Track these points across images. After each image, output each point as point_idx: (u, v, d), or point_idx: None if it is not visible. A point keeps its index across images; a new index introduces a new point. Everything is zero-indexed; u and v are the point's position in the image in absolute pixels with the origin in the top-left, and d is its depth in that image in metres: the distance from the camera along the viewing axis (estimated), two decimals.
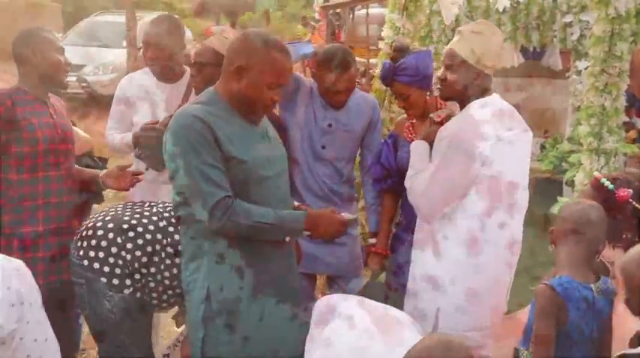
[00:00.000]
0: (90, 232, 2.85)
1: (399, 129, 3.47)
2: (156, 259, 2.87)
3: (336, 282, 3.60)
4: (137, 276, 2.85)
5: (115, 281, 2.80)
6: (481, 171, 2.81)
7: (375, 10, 14.05)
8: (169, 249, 2.89)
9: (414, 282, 3.03)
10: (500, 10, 5.54)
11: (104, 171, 3.27)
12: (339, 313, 2.56)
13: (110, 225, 2.84)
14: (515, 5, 6.63)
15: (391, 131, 3.58)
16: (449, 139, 2.79)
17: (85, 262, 2.81)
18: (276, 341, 2.70)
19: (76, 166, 3.28)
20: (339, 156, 3.48)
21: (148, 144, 3.55)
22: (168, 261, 2.90)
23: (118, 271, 2.81)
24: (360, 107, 3.49)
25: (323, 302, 2.69)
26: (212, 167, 2.47)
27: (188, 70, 3.73)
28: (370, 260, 3.54)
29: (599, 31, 4.75)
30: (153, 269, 2.87)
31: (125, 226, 2.85)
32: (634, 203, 2.56)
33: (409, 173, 3.00)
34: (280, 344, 2.70)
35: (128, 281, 2.83)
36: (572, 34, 6.37)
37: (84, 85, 12.31)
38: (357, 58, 13.81)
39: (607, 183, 2.63)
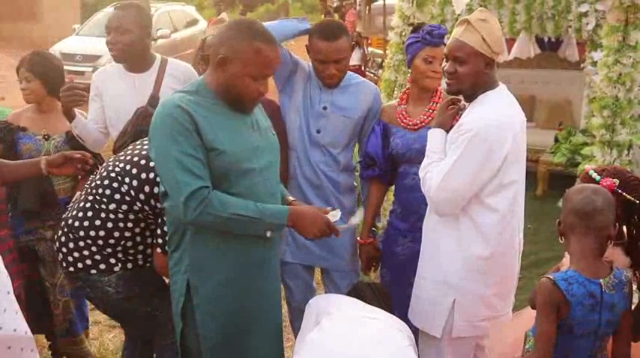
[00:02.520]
0: (57, 244, 2.90)
1: (387, 116, 3.35)
2: (120, 225, 2.82)
3: (331, 277, 3.47)
4: (118, 248, 2.84)
5: (103, 267, 2.83)
6: (505, 165, 2.75)
7: (393, 1, 13.92)
8: (129, 210, 2.82)
9: (425, 275, 2.97)
10: None
11: (44, 158, 3.09)
12: (327, 315, 2.47)
13: (65, 229, 2.88)
14: None
15: (378, 119, 3.45)
16: (473, 132, 2.71)
17: (72, 269, 2.86)
18: (253, 338, 2.65)
19: (9, 162, 3.15)
20: (335, 142, 3.34)
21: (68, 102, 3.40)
22: (130, 224, 2.83)
23: (98, 257, 2.83)
24: (359, 93, 3.35)
25: (315, 303, 2.62)
26: (190, 157, 2.39)
27: (158, 58, 3.63)
28: (360, 251, 3.48)
29: (614, 19, 4.64)
30: (127, 234, 2.84)
31: (70, 221, 2.87)
32: (624, 193, 2.46)
33: (424, 162, 2.91)
34: (258, 340, 2.66)
35: (113, 260, 2.84)
36: (587, 24, 6.25)
37: None
38: (374, 49, 13.69)
39: (594, 175, 2.54)
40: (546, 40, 8.28)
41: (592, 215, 2.30)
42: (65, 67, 14.45)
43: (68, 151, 3.12)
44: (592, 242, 2.32)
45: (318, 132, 3.32)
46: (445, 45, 3.08)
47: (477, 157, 2.70)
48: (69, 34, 14.48)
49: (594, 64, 6.02)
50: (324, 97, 3.32)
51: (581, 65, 7.07)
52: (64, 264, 2.88)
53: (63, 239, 2.87)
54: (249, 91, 2.49)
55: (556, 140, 7.12)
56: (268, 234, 2.52)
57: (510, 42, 8.60)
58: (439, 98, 3.20)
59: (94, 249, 2.82)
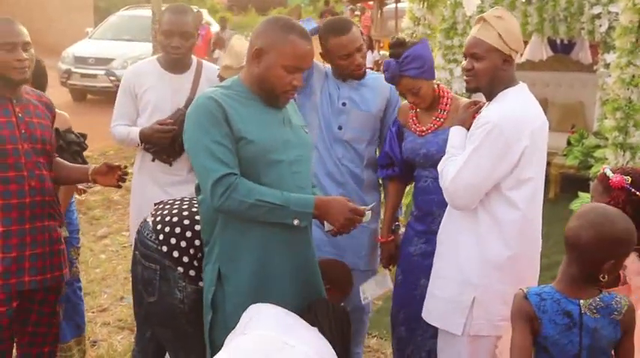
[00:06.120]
0: (175, 219, 2.76)
1: (403, 117, 3.36)
2: None
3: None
4: None
5: (192, 273, 2.73)
6: (522, 160, 2.72)
7: (405, 5, 13.97)
8: None
9: (443, 273, 2.94)
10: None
11: (93, 166, 3.15)
12: (242, 336, 2.36)
13: (197, 217, 2.76)
14: None
15: (395, 119, 3.45)
16: (490, 125, 2.69)
17: (164, 248, 2.71)
18: None
19: (66, 163, 3.21)
20: (357, 138, 3.38)
21: (159, 142, 3.52)
22: None
23: (196, 263, 2.72)
24: (375, 86, 3.39)
25: (252, 310, 2.50)
26: (219, 144, 2.45)
27: (195, 60, 3.69)
28: (381, 249, 3.45)
29: (627, 20, 4.60)
30: None
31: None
32: (637, 193, 2.42)
33: (443, 158, 2.89)
34: None
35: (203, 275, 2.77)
36: (600, 25, 6.20)
37: (112, 78, 12.38)
38: (385, 52, 13.81)
39: (609, 173, 2.51)
40: (559, 42, 8.24)
41: (576, 247, 2.17)
42: (78, 71, 14.62)
43: (109, 162, 3.15)
44: (576, 270, 2.19)
45: (340, 128, 3.35)
46: (409, 76, 3.08)
47: (494, 150, 2.68)
48: (82, 38, 14.59)
49: (607, 66, 5.99)
50: (343, 94, 3.36)
51: (594, 67, 7.03)
52: (161, 237, 2.73)
53: (187, 222, 2.75)
54: (282, 83, 2.55)
55: (568, 143, 7.06)
56: (295, 222, 2.52)
57: (522, 45, 8.59)
58: (446, 105, 3.18)
59: (199, 255, 2.72)
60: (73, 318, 3.78)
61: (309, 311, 2.57)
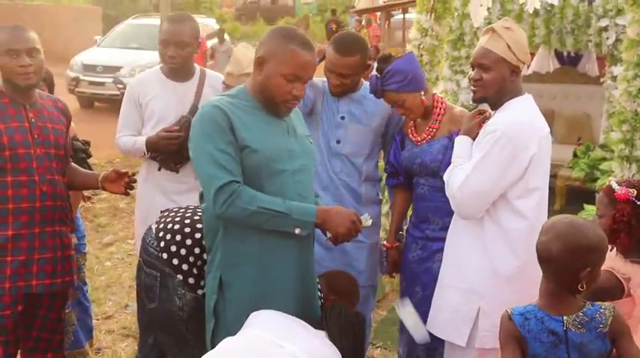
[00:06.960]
0: (177, 227, 2.79)
1: (405, 126, 3.38)
2: None
3: None
4: None
5: (191, 281, 2.76)
6: (530, 167, 2.73)
7: (413, 15, 14.00)
8: None
9: (448, 282, 2.94)
10: (530, 11, 5.38)
11: (103, 173, 3.19)
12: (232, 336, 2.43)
13: (199, 225, 2.77)
14: (549, 9, 6.51)
15: (401, 128, 3.46)
16: (498, 133, 2.71)
17: (165, 255, 2.74)
18: None
19: (79, 169, 3.25)
20: (355, 152, 3.38)
21: (166, 150, 3.54)
22: None
23: (195, 271, 2.74)
24: (377, 102, 3.33)
25: (252, 317, 2.53)
26: (222, 152, 2.47)
27: (198, 68, 3.71)
28: (386, 255, 3.43)
29: (633, 33, 4.60)
30: None
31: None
32: None
33: (449, 167, 2.91)
34: None
35: (203, 283, 2.77)
36: (607, 38, 6.22)
37: (120, 86, 12.41)
38: None
39: (614, 185, 2.51)
40: (566, 54, 8.25)
41: (546, 261, 2.19)
42: (86, 78, 14.70)
43: (117, 168, 3.18)
44: (554, 285, 2.20)
45: (338, 142, 3.36)
46: (392, 90, 3.11)
47: (501, 158, 2.68)
48: (91, 46, 14.66)
49: (614, 78, 5.99)
50: (342, 107, 3.36)
51: (601, 80, 7.03)
52: (162, 245, 2.76)
53: (188, 230, 2.78)
54: (282, 92, 2.55)
55: (574, 155, 7.06)
56: (297, 231, 2.54)
57: (529, 56, 8.60)
58: (439, 115, 3.19)
59: (199, 263, 2.75)
60: (84, 321, 3.86)
61: (321, 319, 2.60)
